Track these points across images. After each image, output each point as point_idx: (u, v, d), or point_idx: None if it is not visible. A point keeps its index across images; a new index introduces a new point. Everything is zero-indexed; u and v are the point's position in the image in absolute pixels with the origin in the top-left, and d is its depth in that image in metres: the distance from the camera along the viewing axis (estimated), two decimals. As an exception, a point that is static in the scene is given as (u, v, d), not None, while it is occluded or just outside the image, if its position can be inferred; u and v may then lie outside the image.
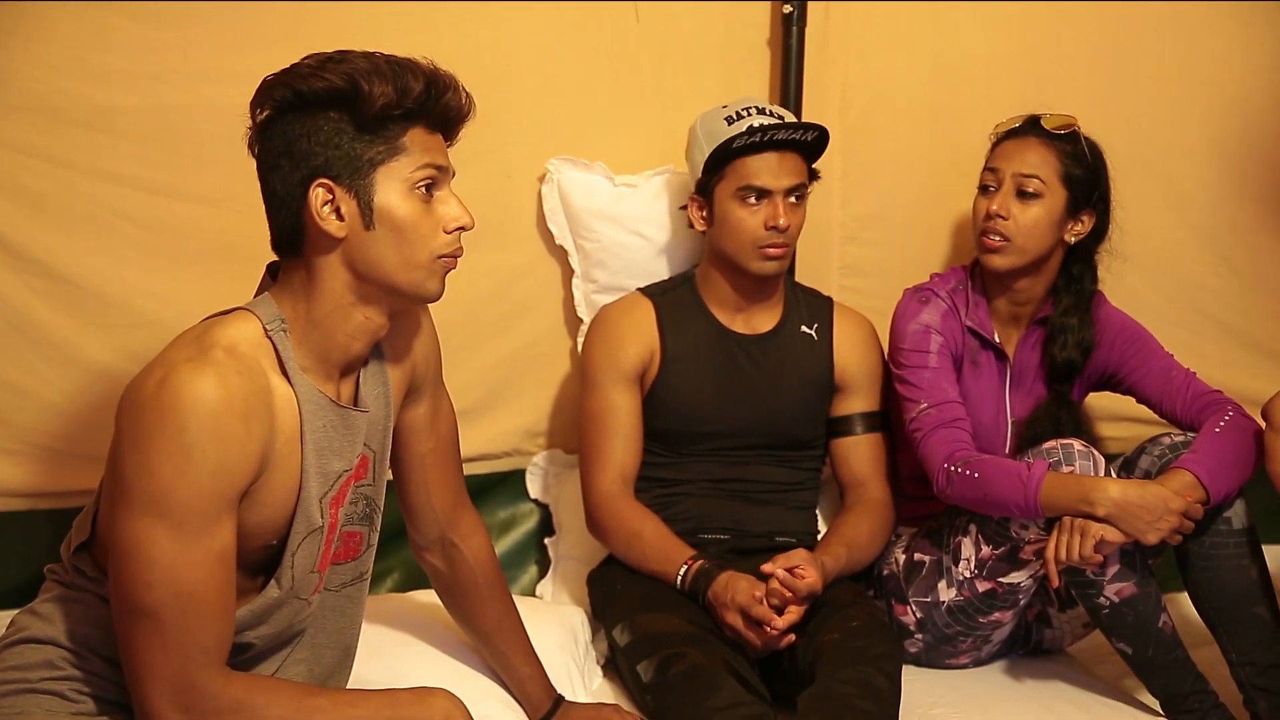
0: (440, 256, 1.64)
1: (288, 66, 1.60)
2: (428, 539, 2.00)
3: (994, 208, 2.35)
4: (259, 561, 1.64)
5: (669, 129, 2.46)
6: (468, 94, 1.65)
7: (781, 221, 2.36)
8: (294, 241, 1.61)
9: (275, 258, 1.67)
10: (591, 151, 2.61)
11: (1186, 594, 2.34)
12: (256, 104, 1.58)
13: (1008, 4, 2.77)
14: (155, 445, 1.48)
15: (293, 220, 1.59)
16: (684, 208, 2.48)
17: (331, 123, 1.56)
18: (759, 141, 2.35)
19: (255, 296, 1.66)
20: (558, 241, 2.62)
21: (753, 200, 2.36)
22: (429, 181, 1.62)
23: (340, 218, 1.57)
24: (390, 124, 1.58)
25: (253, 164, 1.62)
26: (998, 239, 2.35)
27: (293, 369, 1.60)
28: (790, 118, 2.42)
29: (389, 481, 1.90)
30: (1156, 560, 2.29)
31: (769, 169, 2.37)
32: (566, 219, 2.61)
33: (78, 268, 2.31)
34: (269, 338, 1.59)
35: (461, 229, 1.65)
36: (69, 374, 2.31)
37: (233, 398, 1.51)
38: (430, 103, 1.60)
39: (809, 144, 2.40)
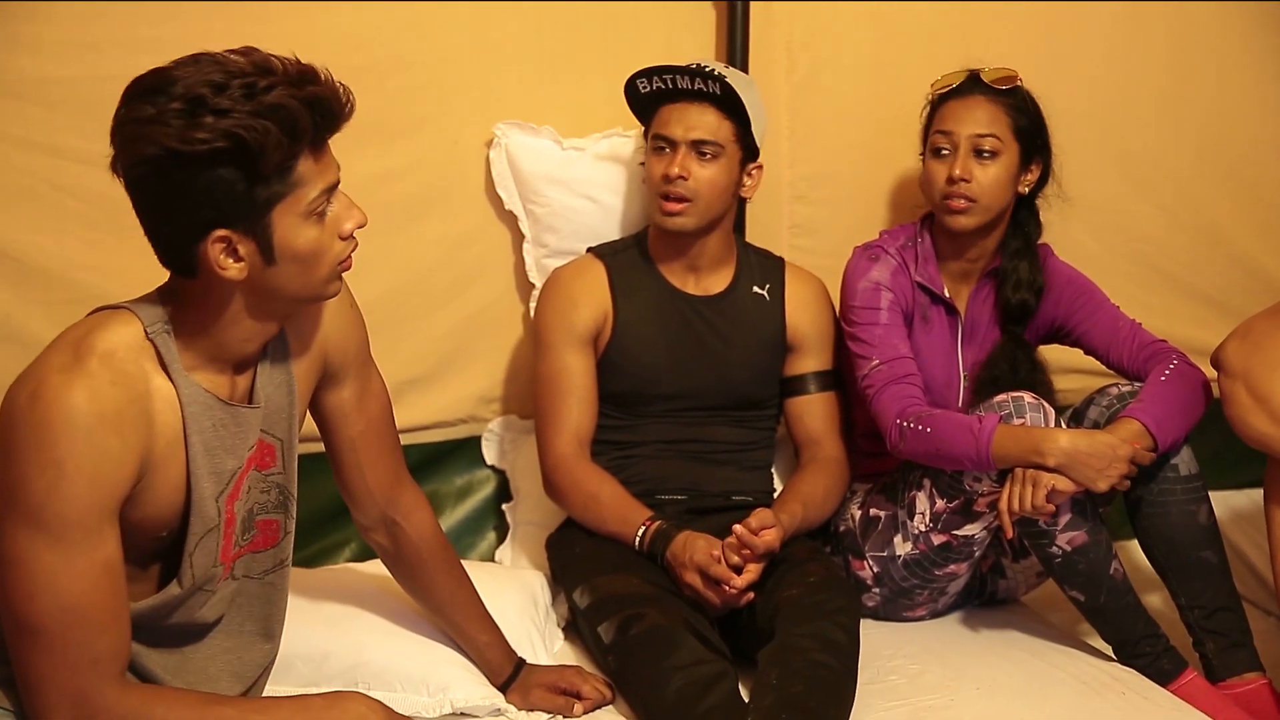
0: (339, 264, 1.62)
1: (141, 101, 1.49)
2: (370, 519, 2.00)
3: (956, 172, 2.36)
4: (152, 552, 1.63)
5: (616, 91, 2.44)
6: (346, 95, 1.56)
7: (674, 171, 2.36)
8: (187, 271, 1.56)
9: None
10: (539, 115, 2.60)
11: (1136, 541, 2.38)
12: (125, 162, 1.50)
13: None
14: (29, 459, 1.47)
15: (186, 259, 1.54)
16: (642, 163, 2.49)
17: (221, 179, 1.48)
18: (662, 90, 2.36)
19: (152, 291, 1.62)
20: (507, 207, 2.61)
21: (665, 150, 2.37)
22: (322, 204, 1.57)
23: (238, 259, 1.53)
24: (283, 167, 1.51)
25: None
26: (963, 202, 2.37)
27: (176, 370, 1.58)
28: (734, 75, 2.40)
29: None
30: (1107, 508, 2.32)
31: (676, 119, 2.38)
32: (515, 184, 2.60)
33: (16, 242, 2.29)
34: (150, 340, 1.56)
35: (356, 228, 1.62)
36: (12, 350, 2.24)
37: (105, 409, 1.49)
38: (315, 130, 1.53)
39: (719, 97, 2.37)
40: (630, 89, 2.42)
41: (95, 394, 1.48)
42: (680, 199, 2.36)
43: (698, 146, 2.36)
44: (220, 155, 1.45)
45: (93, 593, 1.49)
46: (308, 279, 1.60)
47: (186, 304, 1.59)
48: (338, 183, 1.59)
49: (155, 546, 1.62)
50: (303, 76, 1.52)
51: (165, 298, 1.60)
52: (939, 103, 2.44)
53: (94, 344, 1.52)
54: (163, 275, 1.61)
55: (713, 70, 2.37)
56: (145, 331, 1.56)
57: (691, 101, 2.37)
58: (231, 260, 1.53)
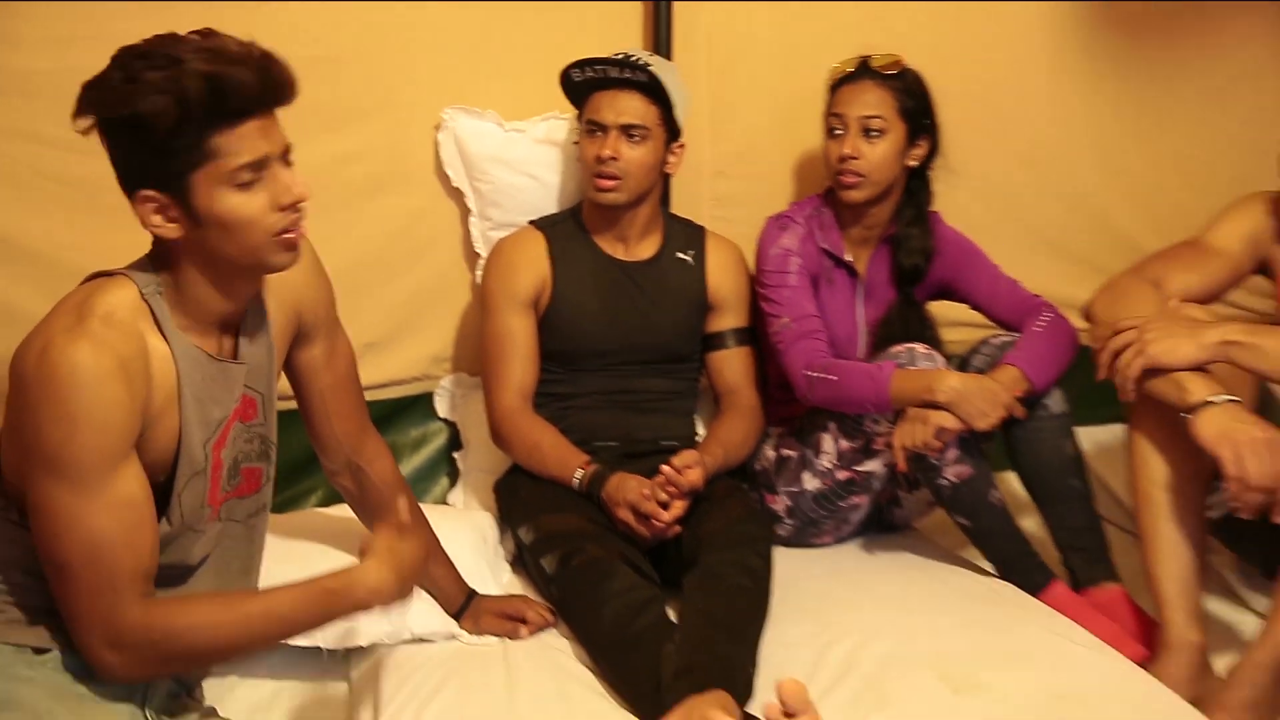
0: (277, 235, 1.58)
1: (102, 74, 1.50)
2: (336, 464, 2.02)
3: (846, 151, 2.40)
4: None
5: (553, 79, 2.45)
6: (275, 69, 1.53)
7: (606, 152, 2.38)
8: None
9: None
10: (483, 100, 2.61)
11: (1014, 472, 2.44)
12: (78, 114, 1.51)
13: None
14: (43, 413, 1.48)
15: (139, 217, 1.56)
16: (576, 143, 2.51)
17: (137, 143, 1.49)
18: (593, 78, 2.39)
19: (143, 257, 1.63)
20: (454, 184, 2.62)
21: (598, 134, 2.40)
22: (250, 177, 1.53)
23: (170, 219, 1.53)
24: (188, 137, 1.49)
25: None
26: (853, 177, 2.42)
27: (169, 329, 1.58)
28: (659, 63, 2.42)
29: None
30: (988, 445, 2.37)
31: (606, 105, 2.40)
32: (462, 163, 2.61)
33: (3, 225, 2.29)
34: (145, 301, 1.57)
35: (296, 202, 1.58)
36: (6, 325, 2.20)
37: (108, 364, 1.49)
38: (217, 108, 1.48)
39: (646, 84, 2.39)
40: (565, 78, 2.44)
41: (99, 350, 1.48)
42: (612, 177, 2.40)
43: (627, 130, 2.39)
44: (127, 122, 1.47)
45: (114, 528, 1.51)
46: (240, 244, 1.57)
47: (168, 268, 1.60)
48: (274, 152, 1.55)
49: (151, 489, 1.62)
50: (227, 58, 1.49)
51: (154, 263, 1.61)
52: (835, 87, 2.46)
53: (94, 306, 1.52)
54: (138, 252, 1.62)
55: (640, 60, 2.39)
56: (140, 293, 1.57)
57: (621, 89, 2.39)
58: (163, 220, 1.53)
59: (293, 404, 1.96)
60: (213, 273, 1.60)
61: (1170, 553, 2.14)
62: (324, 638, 2.09)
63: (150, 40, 1.51)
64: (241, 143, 1.51)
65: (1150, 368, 1.99)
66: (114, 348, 1.50)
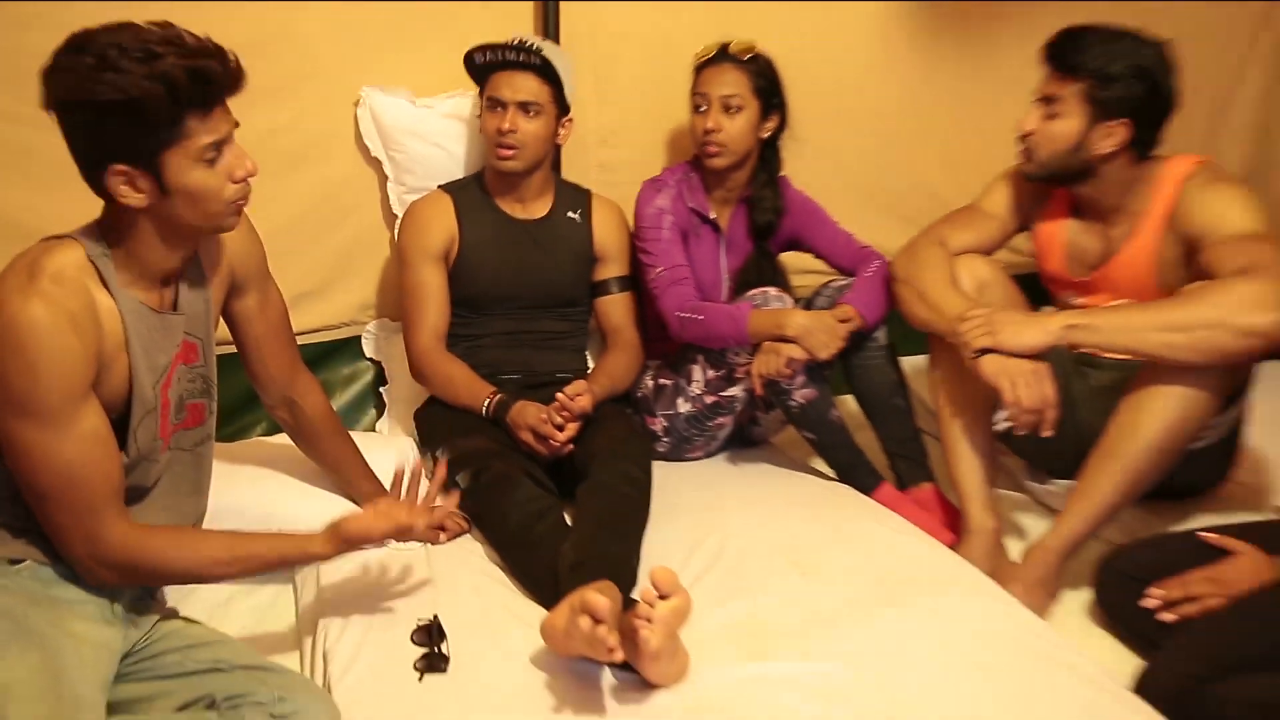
0: (231, 203, 1.60)
1: (65, 55, 1.47)
2: (273, 399, 2.01)
3: (709, 125, 2.42)
4: None
5: (458, 60, 2.43)
6: (234, 60, 1.53)
7: (505, 125, 2.37)
8: (106, 197, 1.55)
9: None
10: (396, 79, 2.59)
11: (850, 395, 2.50)
12: (47, 103, 1.48)
13: None
14: (7, 365, 1.47)
15: (98, 185, 1.53)
16: (479, 117, 2.49)
17: (116, 125, 1.47)
18: (492, 61, 2.38)
19: (89, 223, 1.61)
20: (373, 154, 2.60)
21: (498, 109, 2.38)
22: (213, 153, 1.54)
23: (138, 190, 1.52)
24: (168, 119, 1.49)
25: None
26: (715, 148, 2.43)
27: (115, 286, 1.56)
28: (549, 47, 2.41)
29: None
30: (829, 372, 2.40)
31: (505, 84, 2.38)
32: (379, 135, 2.59)
33: None
34: (92, 261, 1.55)
35: (248, 176, 1.59)
36: None
37: (61, 317, 1.48)
38: (198, 94, 1.49)
39: (539, 67, 2.37)
40: (469, 60, 2.42)
41: (51, 307, 1.47)
42: (510, 147, 2.39)
43: (523, 106, 2.37)
44: (114, 107, 1.45)
45: (84, 456, 1.52)
46: (202, 211, 1.58)
47: (118, 231, 1.58)
48: (231, 132, 1.56)
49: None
50: (198, 51, 1.49)
51: (102, 228, 1.59)
52: (699, 70, 2.46)
53: (44, 266, 1.50)
54: (89, 215, 1.60)
55: (534, 45, 2.37)
56: (87, 254, 1.55)
57: (517, 70, 2.38)
58: (131, 190, 1.52)
59: (233, 348, 1.94)
60: (169, 234, 1.59)
61: (966, 459, 2.22)
62: None
63: (110, 29, 1.48)
64: (209, 125, 1.53)
65: (996, 349, 2.01)
66: (63, 304, 1.49)
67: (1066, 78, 2.10)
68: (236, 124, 1.58)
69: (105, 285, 1.56)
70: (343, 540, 1.73)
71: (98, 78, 1.44)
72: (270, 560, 1.72)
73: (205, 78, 1.50)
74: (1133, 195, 2.17)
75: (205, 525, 1.87)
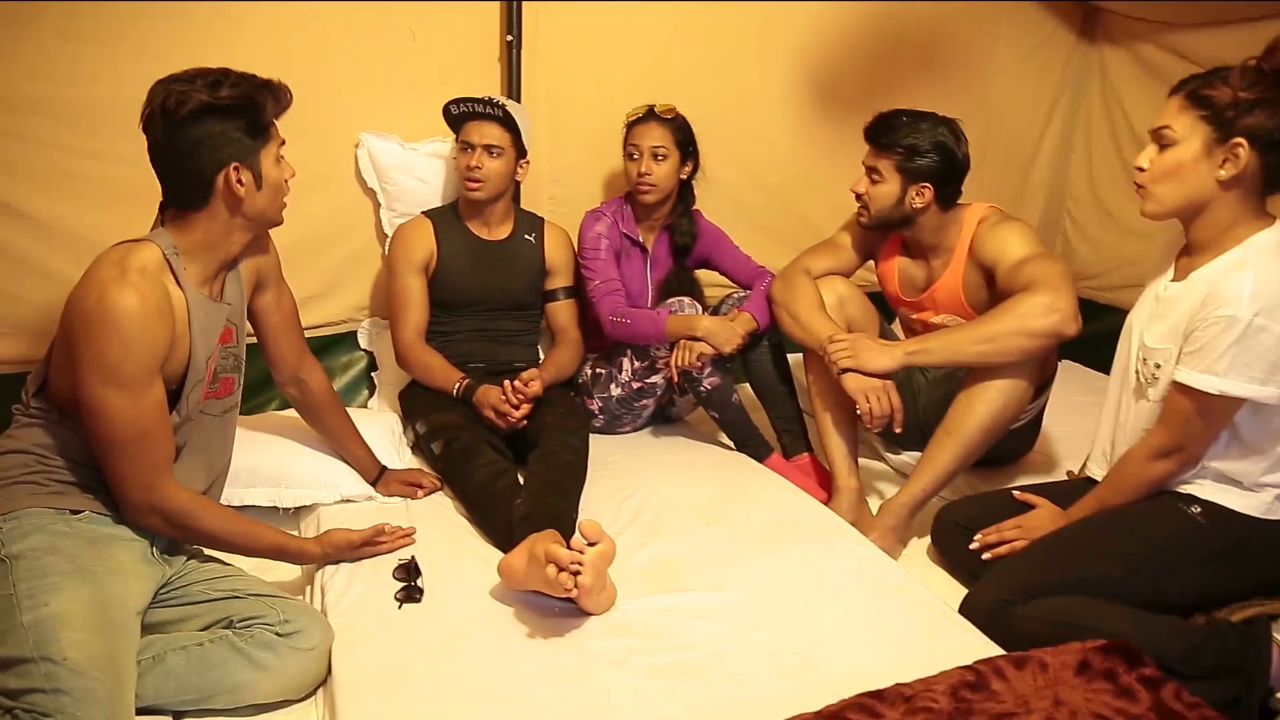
0: (285, 197, 1.67)
1: (178, 76, 1.51)
2: (284, 378, 1.99)
3: (642, 170, 2.41)
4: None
5: (439, 113, 2.41)
6: (289, 92, 1.63)
7: (473, 163, 2.33)
8: (201, 199, 1.57)
9: (159, 203, 1.62)
10: (389, 126, 2.54)
11: (748, 383, 2.46)
12: (173, 104, 1.50)
13: (645, 34, 2.72)
14: (103, 340, 1.46)
15: (204, 188, 1.55)
16: (455, 158, 2.44)
17: (234, 125, 1.54)
18: (465, 112, 2.35)
19: (151, 229, 1.61)
20: (369, 186, 2.56)
21: (468, 150, 2.35)
22: (281, 153, 1.64)
23: (242, 184, 1.57)
24: (264, 123, 1.58)
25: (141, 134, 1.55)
26: (646, 188, 2.42)
27: (184, 280, 1.57)
28: (511, 105, 2.38)
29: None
30: (731, 364, 2.38)
31: (474, 130, 2.35)
32: (374, 171, 2.55)
33: (43, 212, 2.18)
34: (167, 260, 1.55)
35: (292, 178, 1.68)
36: (43, 283, 2.18)
37: (150, 305, 1.49)
38: (280, 105, 1.61)
39: (501, 118, 2.34)
40: (446, 111, 2.39)
41: (142, 296, 1.48)
42: (477, 181, 2.36)
43: (488, 148, 2.35)
44: (235, 109, 1.52)
45: (152, 418, 1.52)
46: (275, 204, 1.64)
47: (191, 231, 1.58)
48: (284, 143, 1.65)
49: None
50: (262, 79, 1.59)
51: (171, 231, 1.59)
52: (631, 126, 2.45)
53: (132, 262, 1.51)
54: (137, 232, 1.58)
55: (498, 101, 2.36)
56: (163, 254, 1.55)
57: (484, 119, 2.35)
58: (241, 185, 1.57)
59: (253, 339, 1.90)
60: (247, 225, 1.63)
61: (834, 435, 2.23)
62: (280, 499, 2.08)
63: (203, 69, 1.54)
64: (277, 132, 1.64)
65: (857, 369, 2.05)
66: (149, 293, 1.50)
67: (882, 153, 2.13)
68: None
69: (176, 278, 1.56)
70: (330, 545, 1.79)
71: (218, 89, 1.52)
72: (274, 547, 1.74)
73: (278, 92, 1.59)
74: (944, 236, 2.20)
75: (228, 480, 1.84)
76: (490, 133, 2.35)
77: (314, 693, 1.59)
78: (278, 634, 1.55)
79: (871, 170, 2.15)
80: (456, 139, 2.42)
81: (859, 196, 2.19)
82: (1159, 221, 1.74)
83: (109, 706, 1.34)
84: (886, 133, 2.12)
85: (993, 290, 2.13)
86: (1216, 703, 1.43)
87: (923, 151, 2.09)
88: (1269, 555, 1.70)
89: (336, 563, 1.82)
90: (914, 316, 2.32)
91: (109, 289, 1.47)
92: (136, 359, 1.48)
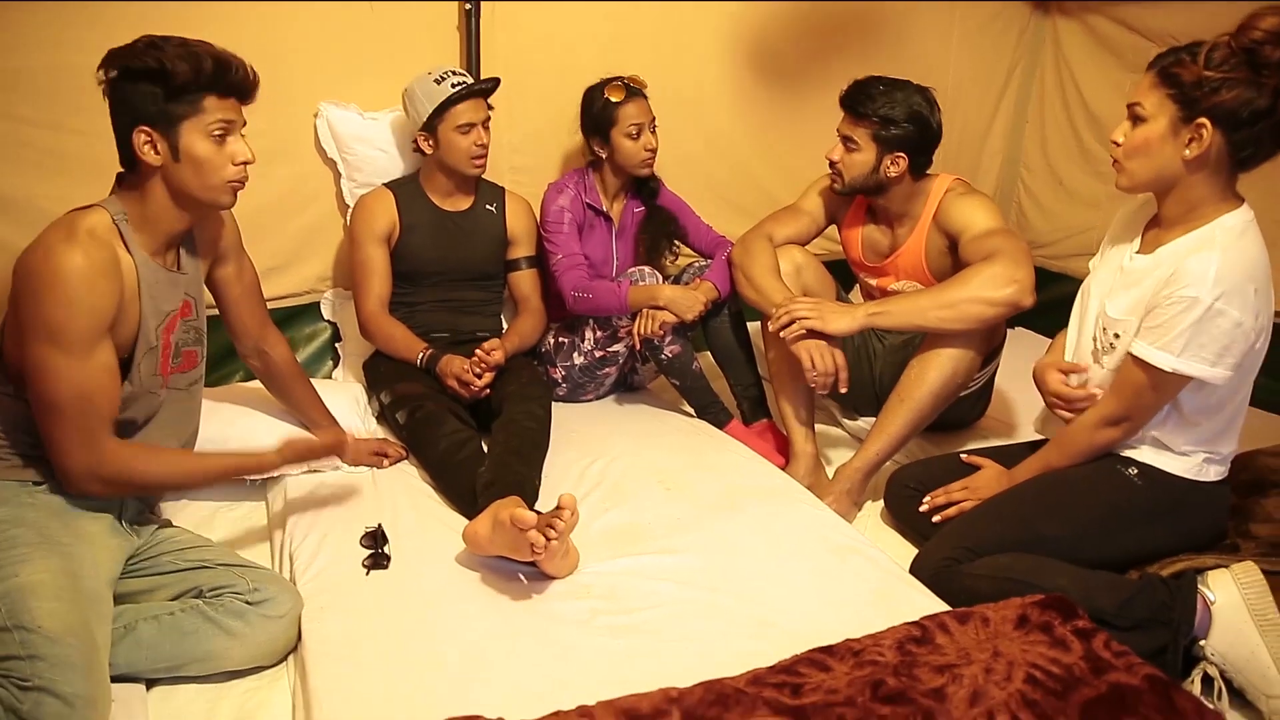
0: (229, 181, 1.60)
1: (127, 45, 1.52)
2: (247, 349, 1.99)
3: (654, 145, 2.42)
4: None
5: (398, 82, 2.40)
6: (252, 72, 1.59)
7: (486, 140, 2.36)
8: (130, 164, 1.57)
9: (117, 172, 1.62)
10: (348, 95, 2.53)
11: (708, 351, 2.50)
12: (102, 68, 1.52)
13: (604, 2, 2.70)
14: (49, 299, 1.46)
15: (127, 151, 1.55)
16: (415, 141, 2.39)
17: (149, 89, 1.51)
18: (465, 93, 2.32)
19: (109, 195, 1.61)
20: (330, 156, 2.54)
21: (471, 129, 2.33)
22: (221, 131, 1.56)
23: (156, 152, 1.54)
24: (190, 93, 1.52)
25: (97, 103, 1.56)
26: (652, 160, 2.45)
27: (133, 246, 1.57)
28: (469, 79, 2.36)
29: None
30: (692, 333, 2.43)
31: (473, 110, 2.33)
32: (334, 141, 2.53)
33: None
34: (116, 225, 1.55)
35: (245, 163, 1.61)
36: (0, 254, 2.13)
37: (96, 265, 1.48)
38: (218, 79, 1.54)
39: (491, 89, 2.37)
40: (446, 96, 2.30)
41: (89, 255, 1.48)
42: (485, 156, 2.38)
43: (484, 123, 2.36)
44: (150, 74, 1.50)
45: (95, 382, 1.51)
46: (203, 182, 1.57)
47: (134, 199, 1.58)
48: (238, 124, 1.59)
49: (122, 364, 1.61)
50: (224, 53, 1.56)
51: (120, 196, 1.58)
52: (620, 105, 2.39)
53: (80, 225, 1.51)
54: (93, 200, 1.58)
55: (462, 72, 2.36)
56: (112, 219, 1.55)
57: (479, 96, 2.35)
58: (151, 150, 1.53)
59: (215, 311, 1.91)
60: (176, 200, 1.59)
61: (792, 402, 2.28)
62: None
63: (164, 36, 1.53)
64: (221, 108, 1.56)
65: (820, 330, 2.06)
66: (97, 255, 1.49)
67: (859, 121, 2.15)
68: (245, 123, 1.61)
69: (125, 244, 1.55)
70: (290, 450, 1.72)
71: (144, 52, 1.50)
72: (230, 469, 1.70)
73: (225, 68, 1.54)
74: (912, 204, 2.24)
75: (196, 448, 1.84)
76: (483, 107, 2.36)
77: (285, 659, 1.62)
78: (248, 602, 1.57)
79: (847, 139, 2.18)
80: (434, 122, 2.34)
81: (833, 164, 2.21)
82: (1134, 195, 1.77)
83: (85, 670, 1.36)
84: (863, 101, 2.14)
85: (954, 258, 2.18)
86: (1146, 651, 1.52)
87: (898, 121, 2.12)
88: (1198, 514, 1.79)
89: (296, 465, 1.82)
90: (874, 282, 2.36)
91: (55, 249, 1.47)
92: (80, 319, 1.47)
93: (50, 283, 1.45)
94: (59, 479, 1.55)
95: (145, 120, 1.52)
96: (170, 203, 1.59)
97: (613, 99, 2.42)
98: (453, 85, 2.32)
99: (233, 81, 1.56)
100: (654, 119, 2.44)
